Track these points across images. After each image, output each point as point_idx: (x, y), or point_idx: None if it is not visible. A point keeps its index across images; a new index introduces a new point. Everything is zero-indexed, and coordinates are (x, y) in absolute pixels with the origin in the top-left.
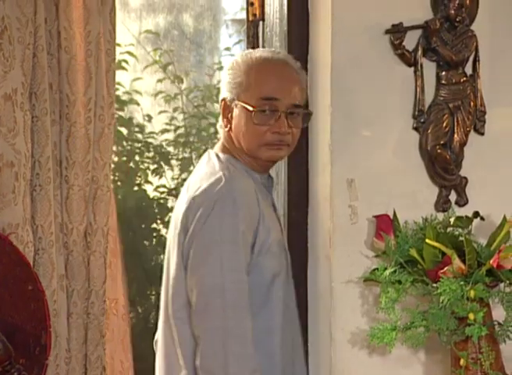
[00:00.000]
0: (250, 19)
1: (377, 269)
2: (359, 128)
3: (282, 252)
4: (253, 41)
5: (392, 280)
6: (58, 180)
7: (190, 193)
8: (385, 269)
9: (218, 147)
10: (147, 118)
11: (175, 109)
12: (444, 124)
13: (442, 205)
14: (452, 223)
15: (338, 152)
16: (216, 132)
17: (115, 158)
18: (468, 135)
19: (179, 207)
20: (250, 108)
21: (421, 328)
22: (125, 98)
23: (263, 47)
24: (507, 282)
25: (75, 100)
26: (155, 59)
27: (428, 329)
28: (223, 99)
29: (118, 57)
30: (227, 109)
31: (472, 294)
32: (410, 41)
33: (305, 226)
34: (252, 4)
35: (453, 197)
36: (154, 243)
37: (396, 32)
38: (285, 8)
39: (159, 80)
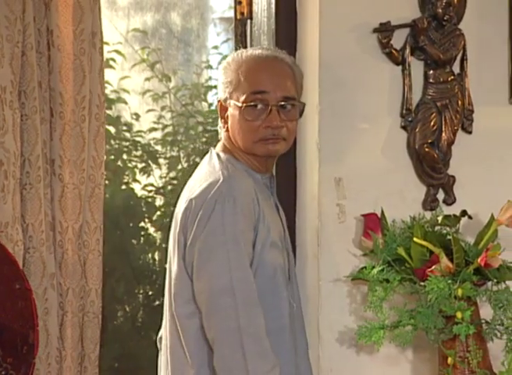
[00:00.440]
0: (238, 17)
1: (365, 267)
2: (347, 127)
3: (284, 253)
4: (241, 40)
5: (380, 278)
6: (48, 178)
7: (189, 193)
8: (373, 267)
9: (219, 146)
10: (134, 116)
11: (163, 108)
12: (432, 123)
13: (429, 203)
14: (440, 221)
15: (326, 151)
16: (204, 130)
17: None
18: (456, 134)
19: (179, 206)
20: (241, 104)
21: (408, 327)
22: (113, 96)
23: (251, 45)
24: (495, 280)
25: (69, 98)
26: (143, 58)
27: (416, 327)
28: (219, 100)
29: (106, 55)
30: (223, 110)
31: (460, 292)
32: (398, 39)
33: (293, 225)
34: (240, 2)
35: (440, 196)
36: (141, 242)
37: (384, 31)
38: (273, 6)
39: (147, 79)
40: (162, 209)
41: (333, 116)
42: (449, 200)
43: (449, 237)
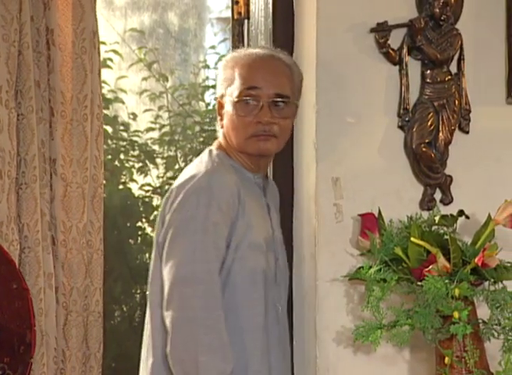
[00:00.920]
0: (235, 17)
1: (362, 267)
2: (344, 126)
3: (270, 254)
4: (238, 40)
5: (377, 278)
6: (46, 177)
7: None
8: (370, 267)
9: (215, 144)
10: (132, 116)
11: (160, 108)
12: (429, 123)
13: (427, 203)
14: (437, 221)
15: (323, 151)
16: (202, 130)
17: None
18: (453, 134)
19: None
20: (234, 99)
21: (405, 326)
22: (110, 96)
23: (248, 45)
24: (492, 280)
25: (70, 97)
26: (140, 58)
27: (413, 327)
28: (216, 98)
29: (103, 55)
30: (220, 107)
31: (457, 292)
32: (395, 39)
33: (290, 225)
34: (237, 2)
35: (437, 195)
36: (139, 241)
37: (381, 30)
38: (270, 6)
39: (144, 79)
40: (159, 209)
41: (330, 116)
42: (447, 200)
43: (446, 236)
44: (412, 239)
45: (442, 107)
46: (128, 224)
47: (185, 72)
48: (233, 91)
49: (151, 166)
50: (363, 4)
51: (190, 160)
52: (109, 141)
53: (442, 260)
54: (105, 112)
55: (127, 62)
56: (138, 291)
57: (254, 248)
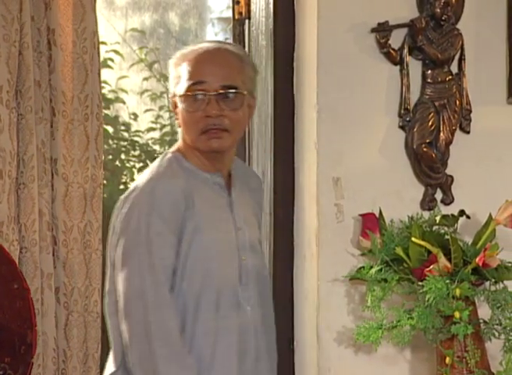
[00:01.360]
0: (236, 17)
1: (363, 267)
2: (345, 126)
3: (231, 254)
4: (239, 40)
5: (378, 278)
6: (46, 177)
7: None
8: (371, 267)
9: (174, 146)
10: (132, 116)
11: (161, 108)
12: (430, 123)
13: (427, 203)
14: (438, 221)
15: (324, 151)
16: None
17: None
18: (454, 133)
19: None
20: (182, 96)
21: (406, 326)
22: (111, 96)
23: (249, 45)
24: (493, 280)
25: (71, 97)
26: (141, 58)
27: (414, 327)
28: (170, 97)
29: (104, 55)
30: (175, 106)
31: (458, 292)
32: (396, 39)
33: (291, 225)
34: (238, 2)
35: (438, 195)
36: None
37: (382, 31)
38: (271, 6)
39: (145, 79)
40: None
41: (331, 116)
42: (447, 200)
43: (447, 236)
44: (413, 239)
45: (443, 107)
46: None
47: None
48: (182, 89)
49: None
50: (364, 4)
51: None
52: (110, 141)
53: (443, 260)
54: (106, 112)
55: (128, 62)
56: None
57: (205, 250)
